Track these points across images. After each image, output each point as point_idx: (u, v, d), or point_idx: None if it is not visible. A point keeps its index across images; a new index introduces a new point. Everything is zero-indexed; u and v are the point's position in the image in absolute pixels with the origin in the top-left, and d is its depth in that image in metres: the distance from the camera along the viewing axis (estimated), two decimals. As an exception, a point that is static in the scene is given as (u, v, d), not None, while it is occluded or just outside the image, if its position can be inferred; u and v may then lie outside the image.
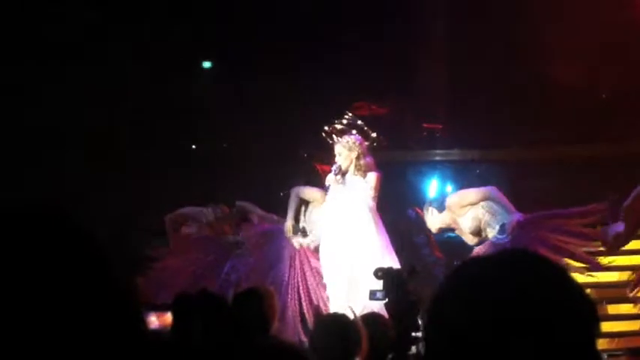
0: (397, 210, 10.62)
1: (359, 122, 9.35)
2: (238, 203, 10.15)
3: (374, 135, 9.32)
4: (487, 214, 9.05)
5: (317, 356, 4.54)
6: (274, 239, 9.62)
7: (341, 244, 8.85)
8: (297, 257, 9.46)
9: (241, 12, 13.11)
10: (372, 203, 8.91)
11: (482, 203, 9.12)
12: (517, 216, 8.81)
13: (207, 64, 14.56)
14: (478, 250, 8.98)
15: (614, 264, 8.95)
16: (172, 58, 12.86)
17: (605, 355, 8.36)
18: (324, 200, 9.37)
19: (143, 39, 12.69)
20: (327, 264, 8.98)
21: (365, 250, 8.69)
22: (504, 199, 9.01)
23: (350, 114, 9.47)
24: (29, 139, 11.75)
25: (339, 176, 8.93)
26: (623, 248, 8.87)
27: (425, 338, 1.57)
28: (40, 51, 12.17)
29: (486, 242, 9.04)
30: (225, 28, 13.12)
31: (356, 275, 8.58)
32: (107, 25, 12.57)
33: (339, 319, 5.00)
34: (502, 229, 8.89)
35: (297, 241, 9.55)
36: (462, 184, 13.08)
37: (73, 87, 12.22)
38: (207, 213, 10.38)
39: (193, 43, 13.20)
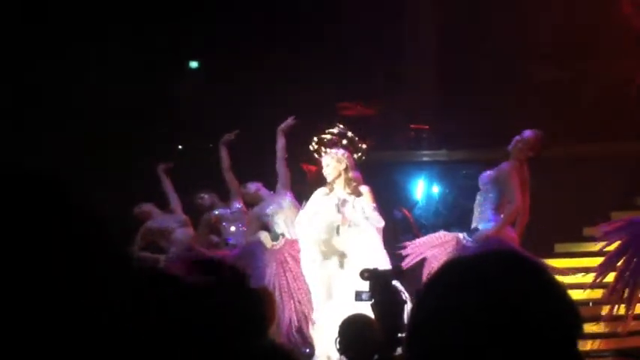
0: (384, 210, 10.60)
1: (349, 134, 9.23)
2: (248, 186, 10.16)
3: (364, 146, 9.18)
4: (482, 196, 9.02)
5: None
6: (254, 260, 9.53)
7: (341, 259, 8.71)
8: (281, 268, 9.41)
9: (229, 12, 13.10)
10: (379, 221, 8.71)
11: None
12: (490, 229, 8.75)
13: (194, 64, 14.55)
14: (444, 243, 8.99)
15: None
16: (159, 57, 12.85)
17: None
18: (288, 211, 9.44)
19: (131, 39, 12.68)
20: (312, 270, 8.86)
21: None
22: (513, 182, 8.84)
23: (340, 125, 9.38)
24: (19, 141, 11.73)
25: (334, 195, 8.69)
26: (608, 248, 8.88)
27: (408, 340, 1.56)
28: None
29: (453, 237, 9.03)
30: (212, 28, 13.11)
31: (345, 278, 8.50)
32: (95, 25, 12.56)
33: None
34: (472, 233, 8.90)
35: (280, 242, 9.54)
36: (449, 184, 13.13)
37: (61, 86, 12.23)
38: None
39: (180, 43, 13.19)
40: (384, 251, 8.63)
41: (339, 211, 8.58)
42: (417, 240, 9.31)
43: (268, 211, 9.72)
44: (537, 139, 8.94)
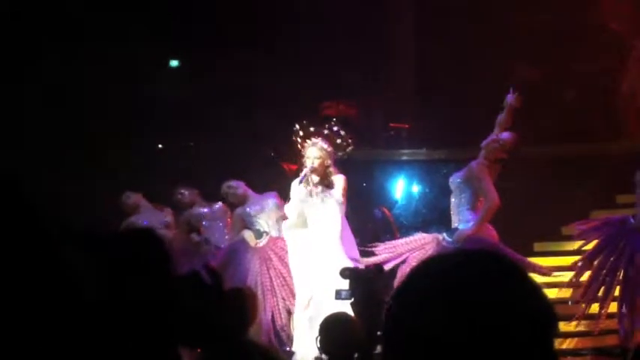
0: (364, 209, 10.62)
1: (342, 132, 9.11)
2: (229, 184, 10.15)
3: (349, 148, 9.11)
4: (456, 198, 9.00)
5: None
6: (237, 258, 9.54)
7: (311, 255, 8.72)
8: (264, 266, 9.41)
9: (210, 11, 13.09)
10: (343, 209, 8.76)
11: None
12: (469, 229, 8.75)
13: (174, 63, 14.53)
14: (424, 244, 8.98)
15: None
16: (139, 56, 12.82)
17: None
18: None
19: (110, 37, 12.65)
20: (295, 269, 8.87)
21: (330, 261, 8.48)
22: (486, 180, 8.82)
23: (334, 121, 9.29)
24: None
25: (310, 187, 8.71)
26: (586, 247, 8.91)
27: (384, 337, 1.56)
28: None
29: (433, 239, 9.03)
30: (192, 26, 13.09)
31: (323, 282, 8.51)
32: (74, 24, 12.53)
33: None
34: (451, 234, 8.88)
35: (263, 240, 9.58)
36: (429, 183, 13.14)
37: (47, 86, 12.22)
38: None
39: (160, 42, 13.16)
40: (349, 230, 8.79)
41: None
42: (396, 241, 9.28)
43: (252, 211, 9.74)
44: (514, 142, 8.94)
